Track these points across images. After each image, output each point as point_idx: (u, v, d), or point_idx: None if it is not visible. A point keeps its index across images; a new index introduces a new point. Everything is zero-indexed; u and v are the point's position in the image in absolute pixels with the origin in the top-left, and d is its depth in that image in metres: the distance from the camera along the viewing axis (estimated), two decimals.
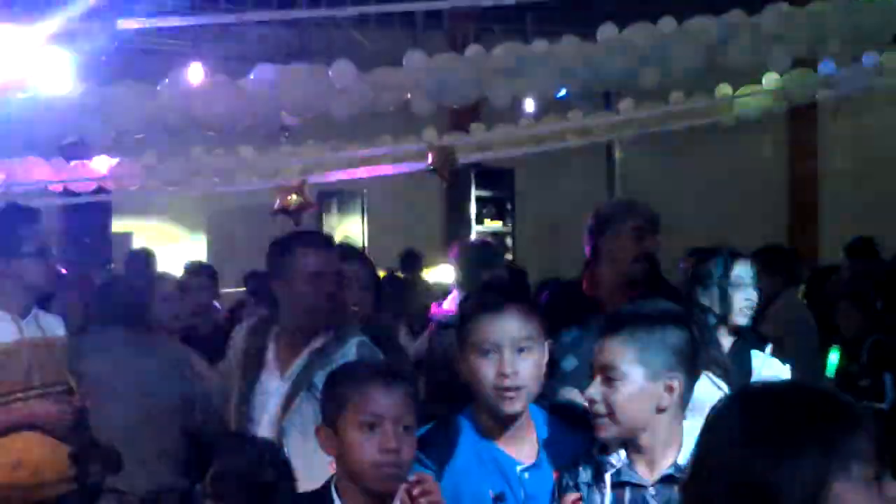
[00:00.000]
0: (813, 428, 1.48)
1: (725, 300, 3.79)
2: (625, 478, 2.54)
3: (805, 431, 1.47)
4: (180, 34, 9.08)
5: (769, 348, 3.80)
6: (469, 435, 2.72)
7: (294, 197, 6.42)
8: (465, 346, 2.71)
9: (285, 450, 3.37)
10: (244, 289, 7.48)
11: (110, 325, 4.65)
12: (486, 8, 9.31)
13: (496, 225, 12.34)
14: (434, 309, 6.29)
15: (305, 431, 3.50)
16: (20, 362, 3.89)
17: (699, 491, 1.53)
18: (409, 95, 5.81)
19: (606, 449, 2.61)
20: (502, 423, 2.72)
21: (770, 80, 7.24)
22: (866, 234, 8.38)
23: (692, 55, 5.50)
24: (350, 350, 3.72)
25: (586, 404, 2.65)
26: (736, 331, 3.85)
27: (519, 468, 2.68)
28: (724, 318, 3.84)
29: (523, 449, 2.72)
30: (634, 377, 2.51)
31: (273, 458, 3.14)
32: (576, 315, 3.74)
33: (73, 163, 7.77)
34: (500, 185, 12.24)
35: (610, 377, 2.52)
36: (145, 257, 8.26)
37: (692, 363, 2.58)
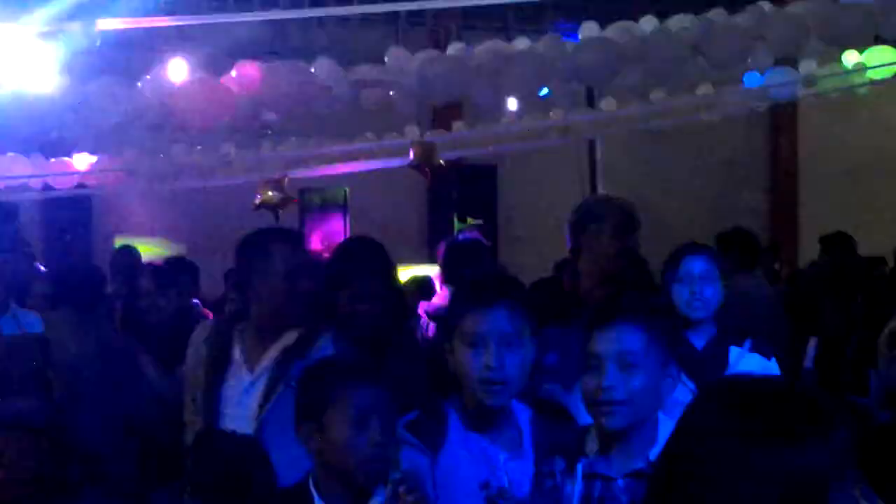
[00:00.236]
0: (813, 425, 1.48)
1: (674, 294, 3.81)
2: (596, 469, 2.56)
3: (803, 426, 1.48)
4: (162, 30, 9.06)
5: (749, 343, 3.81)
6: (456, 424, 2.75)
7: (275, 193, 6.41)
8: (454, 337, 2.75)
9: (263, 444, 3.38)
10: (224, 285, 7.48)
11: (61, 305, 4.74)
12: (469, 5, 9.31)
13: (478, 222, 12.35)
14: (422, 306, 6.30)
15: (284, 425, 3.51)
16: None
17: (676, 483, 1.53)
18: (391, 93, 5.81)
19: (583, 440, 2.63)
20: (486, 415, 2.74)
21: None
22: (845, 230, 8.42)
23: (673, 54, 5.51)
24: (325, 344, 3.73)
25: (563, 399, 2.66)
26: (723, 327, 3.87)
27: (502, 457, 2.71)
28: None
29: (506, 440, 2.75)
30: (652, 364, 2.53)
31: (252, 453, 3.15)
32: (557, 311, 3.77)
33: (53, 160, 7.74)
34: (482, 182, 12.26)
35: (629, 363, 2.53)
36: (130, 253, 8.26)
37: (675, 355, 2.64)
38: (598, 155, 9.00)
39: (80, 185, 8.25)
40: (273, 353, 3.74)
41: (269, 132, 7.10)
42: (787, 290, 8.11)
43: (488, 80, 5.73)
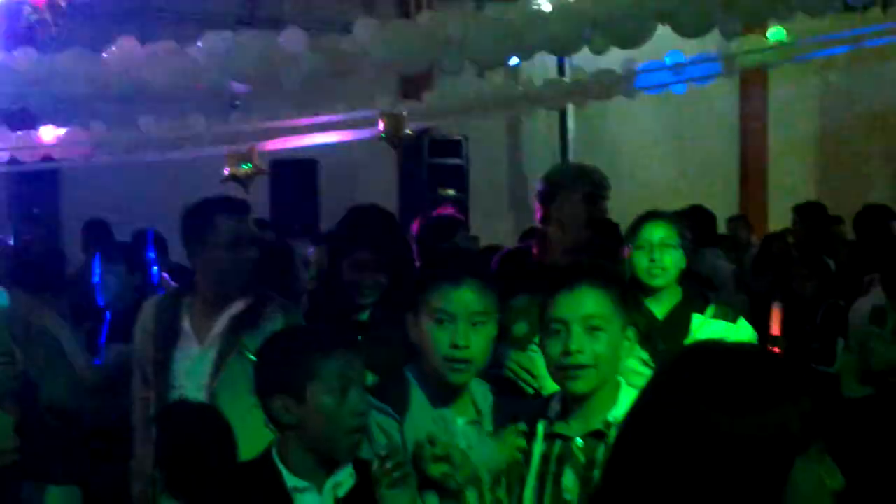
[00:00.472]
0: (777, 391, 1.48)
1: (634, 262, 3.84)
2: (556, 429, 2.59)
3: (768, 392, 1.47)
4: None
5: (711, 311, 3.82)
6: (417, 393, 2.79)
7: (243, 165, 6.36)
8: (421, 311, 2.75)
9: None
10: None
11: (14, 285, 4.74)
12: None
13: (453, 192, 12.31)
14: None
15: (236, 394, 3.54)
16: None
17: (639, 444, 1.53)
18: (359, 63, 5.76)
19: (546, 406, 2.66)
20: (447, 390, 2.76)
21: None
22: (813, 200, 8.52)
23: (641, 22, 5.49)
24: (274, 314, 3.74)
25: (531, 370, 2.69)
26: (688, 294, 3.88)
27: (461, 421, 2.76)
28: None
29: (466, 411, 2.80)
30: (615, 327, 2.57)
31: (215, 423, 3.15)
32: (526, 281, 3.77)
33: (19, 132, 7.64)
34: (453, 152, 12.21)
35: (594, 326, 2.55)
36: (101, 226, 8.21)
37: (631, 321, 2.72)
38: (569, 123, 9.00)
39: (47, 158, 8.15)
40: (221, 323, 3.74)
41: (238, 104, 7.03)
42: (759, 255, 8.19)
43: (458, 50, 5.69)
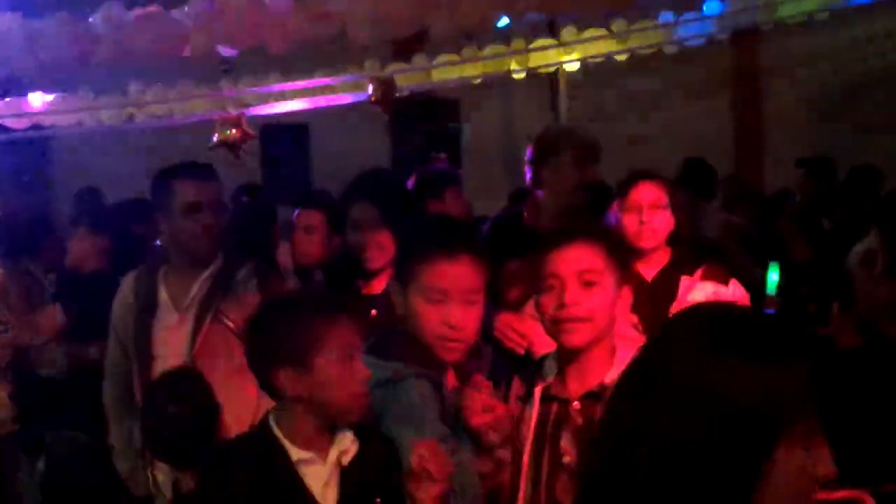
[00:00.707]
0: (773, 350, 1.47)
1: (623, 224, 3.78)
2: (553, 392, 2.57)
3: (763, 350, 1.47)
4: None
5: (700, 272, 3.76)
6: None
7: (233, 130, 6.30)
8: (411, 285, 2.67)
9: None
10: None
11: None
12: None
13: (442, 157, 12.25)
14: None
15: (215, 359, 3.53)
16: None
17: (632, 400, 1.52)
18: (347, 26, 5.69)
19: (541, 366, 2.64)
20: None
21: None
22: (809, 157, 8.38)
23: None
24: (246, 275, 3.72)
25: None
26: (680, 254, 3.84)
27: (452, 387, 2.70)
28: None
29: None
30: (610, 281, 2.55)
31: (202, 392, 3.13)
32: (518, 245, 3.73)
33: (6, 99, 7.57)
34: (444, 115, 12.14)
35: (590, 280, 2.53)
36: (92, 195, 8.16)
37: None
38: (560, 85, 8.92)
39: (36, 126, 8.08)
40: (195, 288, 3.73)
41: (226, 69, 6.97)
42: (759, 215, 8.11)
43: (447, 11, 5.62)
